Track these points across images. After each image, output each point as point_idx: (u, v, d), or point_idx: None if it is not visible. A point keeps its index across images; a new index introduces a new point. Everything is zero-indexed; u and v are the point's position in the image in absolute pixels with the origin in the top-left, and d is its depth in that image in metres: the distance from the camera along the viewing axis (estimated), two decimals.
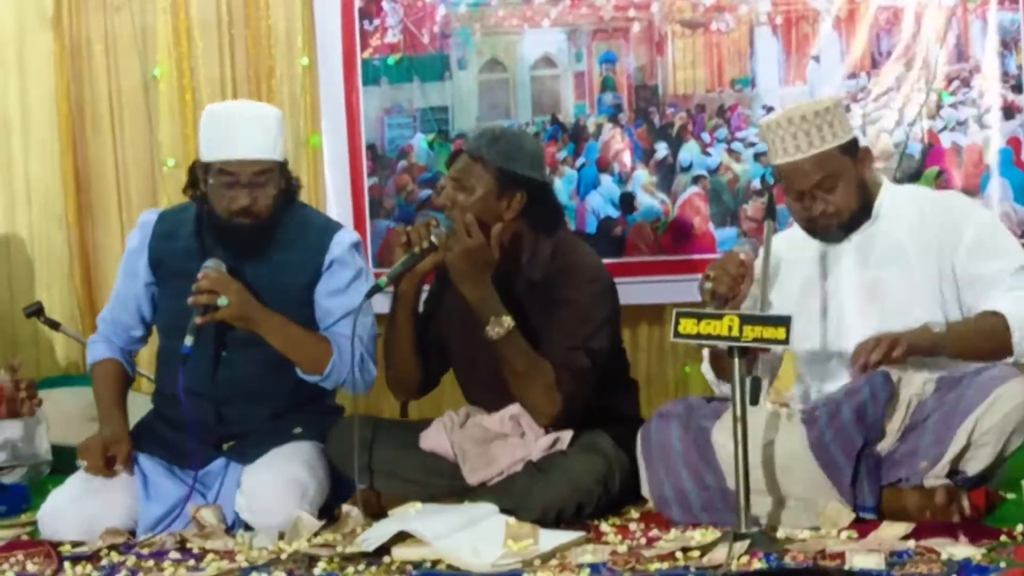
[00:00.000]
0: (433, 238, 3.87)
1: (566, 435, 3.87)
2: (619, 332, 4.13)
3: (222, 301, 3.89)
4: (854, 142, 3.82)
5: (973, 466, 3.52)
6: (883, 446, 3.59)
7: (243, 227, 3.99)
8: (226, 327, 4.00)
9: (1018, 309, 3.64)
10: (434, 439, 4.00)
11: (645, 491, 3.81)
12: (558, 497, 3.72)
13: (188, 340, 3.90)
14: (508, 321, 3.82)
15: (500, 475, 3.86)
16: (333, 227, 4.21)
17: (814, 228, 3.85)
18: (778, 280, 3.86)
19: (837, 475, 3.53)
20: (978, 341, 3.65)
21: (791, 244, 3.95)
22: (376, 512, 3.85)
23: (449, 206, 3.94)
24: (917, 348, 3.59)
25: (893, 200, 3.87)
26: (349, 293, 4.06)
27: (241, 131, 3.99)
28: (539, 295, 3.95)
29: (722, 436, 3.62)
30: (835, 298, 3.85)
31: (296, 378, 4.08)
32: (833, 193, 3.78)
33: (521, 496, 3.73)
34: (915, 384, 3.61)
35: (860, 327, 3.73)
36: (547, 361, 3.85)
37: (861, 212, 3.83)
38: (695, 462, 3.69)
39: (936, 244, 3.77)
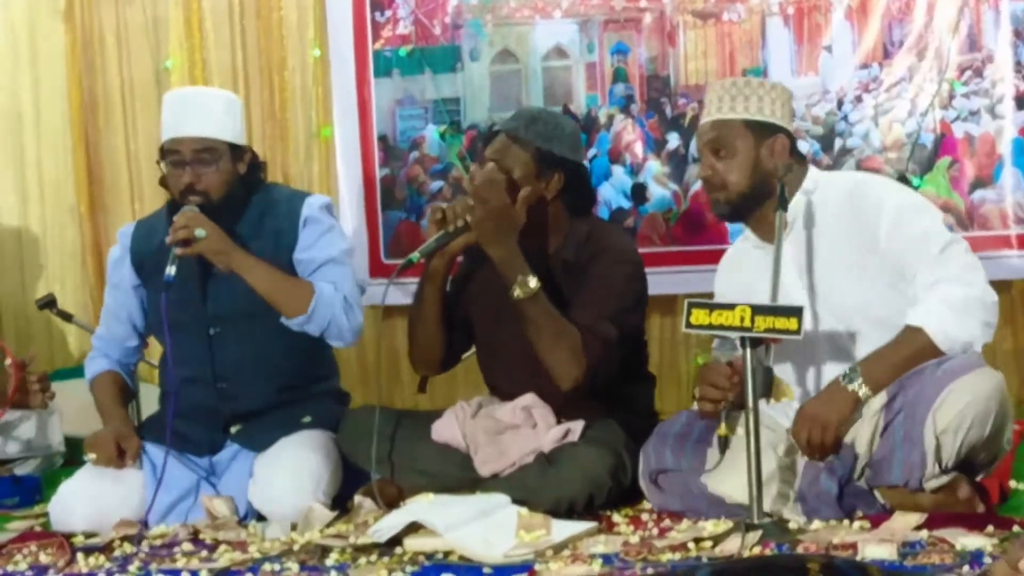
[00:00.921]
0: (468, 217, 3.86)
1: (577, 426, 3.87)
2: (643, 321, 4.12)
3: (199, 232, 3.91)
4: (770, 127, 3.70)
5: (948, 455, 3.44)
6: (861, 460, 3.59)
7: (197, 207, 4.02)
8: (212, 305, 4.07)
9: (936, 315, 3.52)
10: (446, 430, 4.00)
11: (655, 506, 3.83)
12: (570, 488, 3.72)
13: (170, 269, 3.92)
14: (534, 281, 3.79)
15: (512, 466, 3.86)
16: (302, 194, 4.28)
17: (709, 199, 3.81)
18: (729, 291, 3.83)
19: (824, 517, 3.54)
20: (906, 366, 3.51)
21: (729, 261, 3.94)
22: (393, 502, 3.85)
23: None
24: (842, 420, 3.54)
25: (817, 200, 3.73)
26: (322, 244, 4.10)
27: (187, 111, 4.07)
28: (573, 275, 3.94)
29: (716, 484, 3.64)
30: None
31: (297, 352, 4.11)
32: (721, 161, 3.70)
33: (533, 487, 3.73)
34: (876, 403, 3.58)
35: (821, 333, 3.68)
36: (573, 326, 3.82)
37: (754, 199, 3.72)
38: (697, 502, 3.71)
39: (858, 240, 3.65)
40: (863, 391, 3.52)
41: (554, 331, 3.80)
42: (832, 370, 3.69)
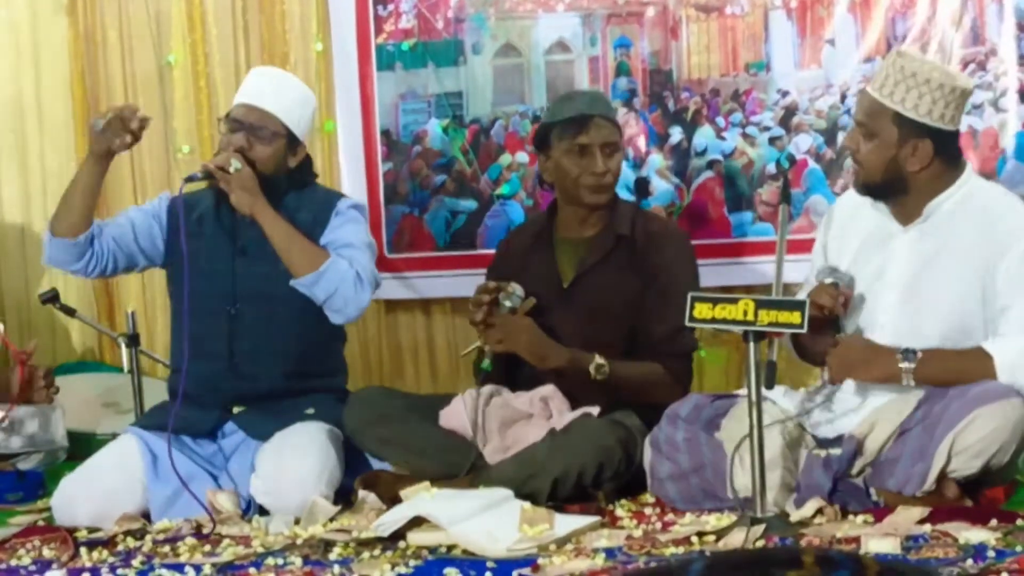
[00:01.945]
0: (508, 303, 3.99)
1: (594, 410, 3.90)
2: None
3: (235, 163, 4.02)
4: (921, 128, 3.66)
5: (958, 475, 3.48)
6: (865, 459, 3.59)
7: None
8: (239, 282, 4.13)
9: (1011, 355, 3.53)
10: (454, 417, 4.01)
11: (651, 487, 3.82)
12: (579, 455, 3.73)
13: (199, 169, 4.12)
14: (600, 359, 3.94)
15: None
16: (339, 193, 4.47)
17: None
18: (842, 240, 3.88)
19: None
20: (956, 379, 3.52)
21: (851, 207, 3.93)
22: (393, 490, 3.84)
23: (604, 171, 4.14)
24: (865, 380, 3.61)
25: (956, 205, 3.71)
26: (345, 230, 4.16)
27: (262, 84, 4.23)
28: (626, 248, 4.13)
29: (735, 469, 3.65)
30: (875, 286, 3.77)
31: (310, 341, 4.17)
32: (865, 141, 3.71)
33: (542, 458, 3.74)
34: (908, 402, 3.58)
35: (892, 325, 3.70)
36: (654, 364, 4.02)
37: (885, 189, 3.73)
38: (709, 486, 3.71)
39: (977, 259, 3.64)
40: (907, 378, 3.54)
41: (643, 383, 4.02)
42: None
